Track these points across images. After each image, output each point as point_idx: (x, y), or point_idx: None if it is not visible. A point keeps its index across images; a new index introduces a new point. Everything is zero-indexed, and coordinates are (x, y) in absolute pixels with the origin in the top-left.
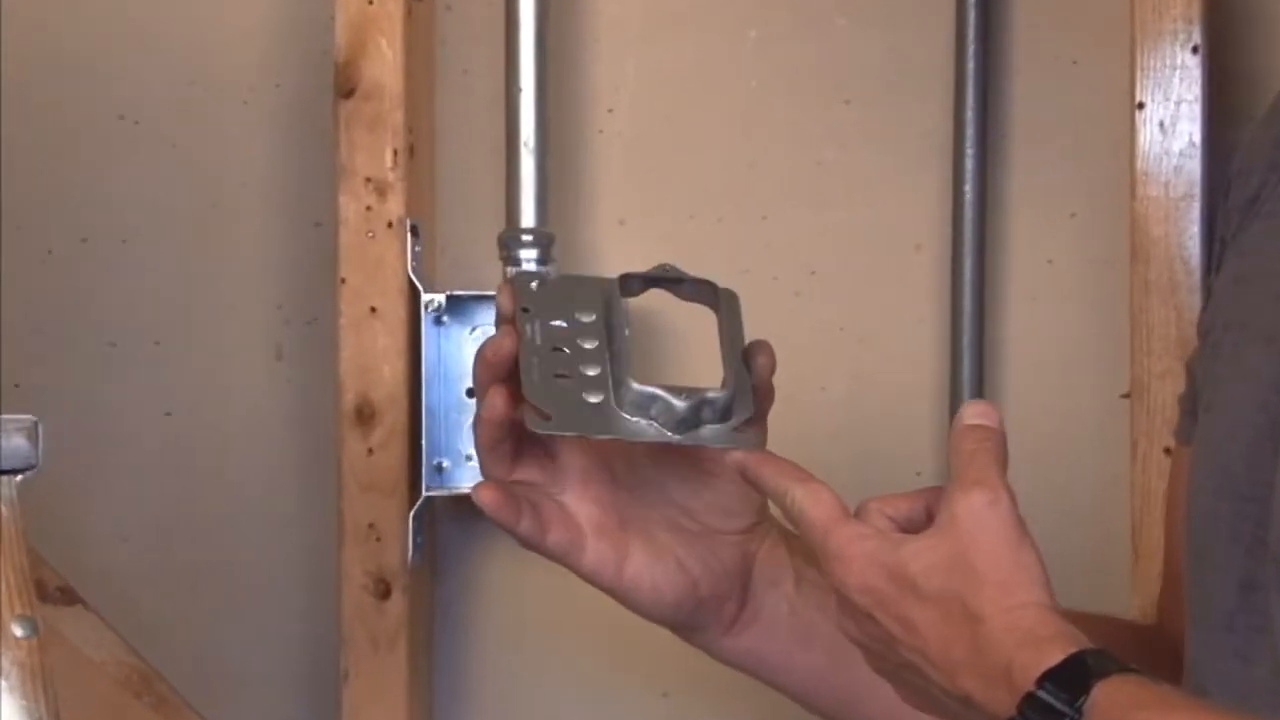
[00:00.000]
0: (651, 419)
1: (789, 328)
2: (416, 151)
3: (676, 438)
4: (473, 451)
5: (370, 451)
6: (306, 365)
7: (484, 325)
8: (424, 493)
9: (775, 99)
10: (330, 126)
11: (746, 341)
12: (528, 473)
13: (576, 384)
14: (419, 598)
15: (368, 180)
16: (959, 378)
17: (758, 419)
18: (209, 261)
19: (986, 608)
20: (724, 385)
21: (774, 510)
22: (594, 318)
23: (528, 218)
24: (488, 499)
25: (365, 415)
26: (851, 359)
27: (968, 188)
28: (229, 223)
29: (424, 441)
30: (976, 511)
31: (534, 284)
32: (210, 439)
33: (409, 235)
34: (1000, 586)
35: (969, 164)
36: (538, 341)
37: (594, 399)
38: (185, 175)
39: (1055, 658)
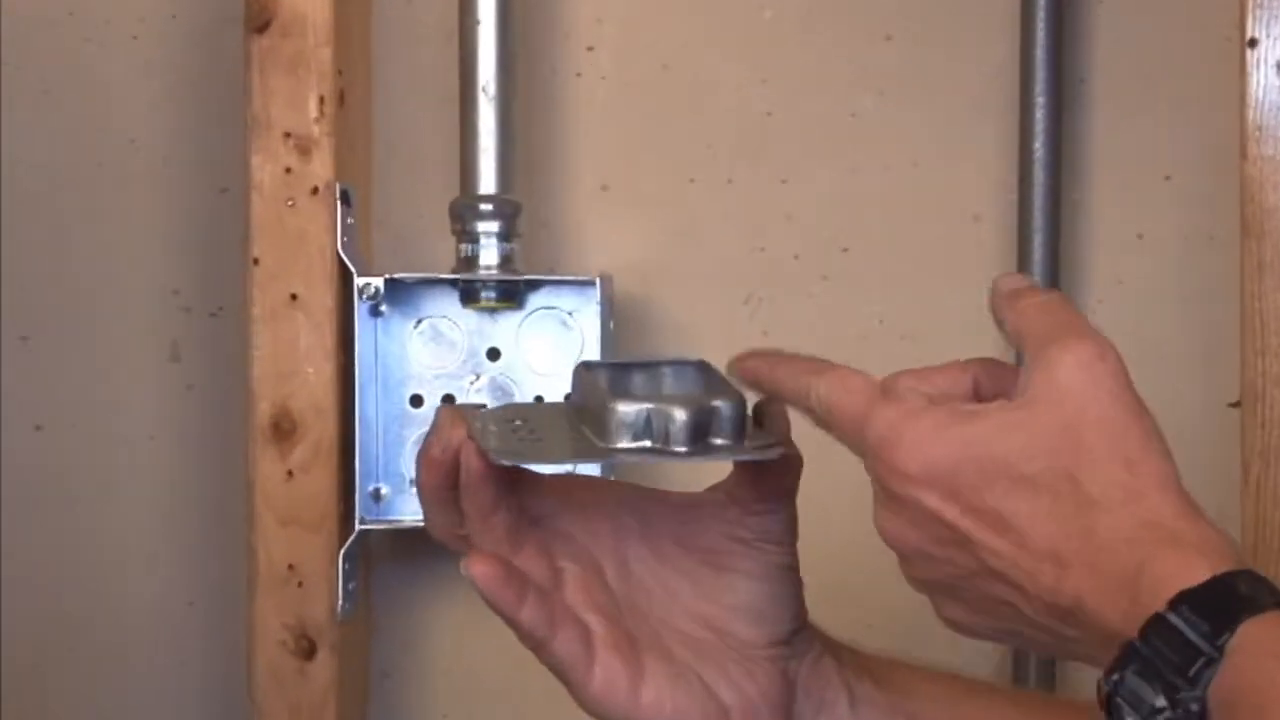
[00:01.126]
0: (649, 442)
1: (814, 320)
2: (348, 99)
3: (683, 451)
4: None
5: (290, 475)
6: (210, 367)
7: (432, 317)
8: (357, 526)
9: (798, 33)
10: (240, 68)
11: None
12: (527, 564)
13: (548, 440)
14: (351, 657)
15: (287, 135)
16: None
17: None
18: (89, 236)
19: (1110, 492)
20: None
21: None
22: (560, 419)
23: (487, 182)
24: (480, 572)
25: (284, 430)
26: (893, 359)
27: (1037, 145)
28: (113, 188)
29: (357, 462)
30: (1086, 368)
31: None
32: (91, 460)
33: (339, 204)
34: (1126, 465)
35: (1039, 115)
36: (492, 427)
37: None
38: (59, 129)
39: (1199, 573)
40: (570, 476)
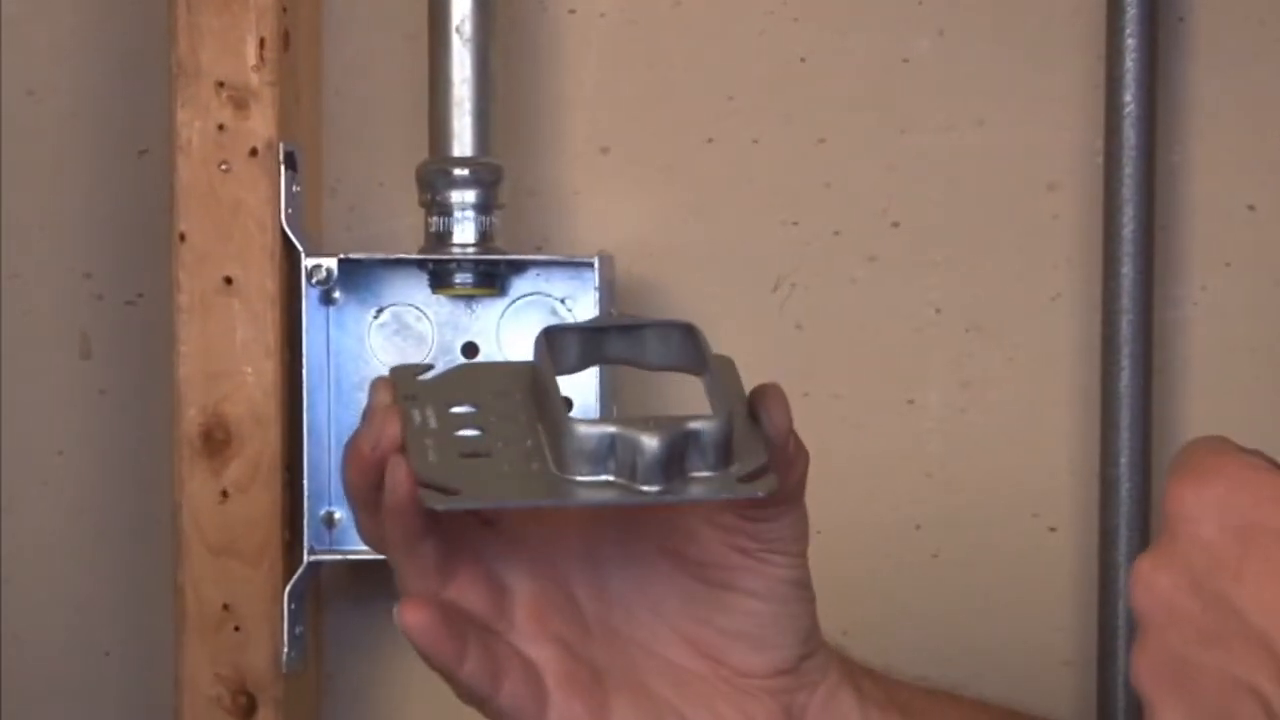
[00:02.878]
0: (613, 475)
1: (859, 308)
2: (294, 41)
3: (654, 490)
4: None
5: (225, 495)
6: (127, 366)
7: (394, 305)
8: (306, 558)
9: None
10: (162, 4)
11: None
12: (463, 594)
13: (496, 459)
14: (296, 715)
15: (220, 85)
16: (1113, 384)
17: (772, 469)
18: None
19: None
20: (714, 414)
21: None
22: (516, 396)
23: (462, 143)
24: (416, 623)
25: (217, 442)
26: (953, 356)
27: (1128, 96)
28: (11, 150)
29: (305, 481)
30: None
31: (423, 376)
32: None
33: (282, 168)
34: None
35: (1130, 61)
36: (431, 425)
37: (521, 466)
38: None
39: None
40: None
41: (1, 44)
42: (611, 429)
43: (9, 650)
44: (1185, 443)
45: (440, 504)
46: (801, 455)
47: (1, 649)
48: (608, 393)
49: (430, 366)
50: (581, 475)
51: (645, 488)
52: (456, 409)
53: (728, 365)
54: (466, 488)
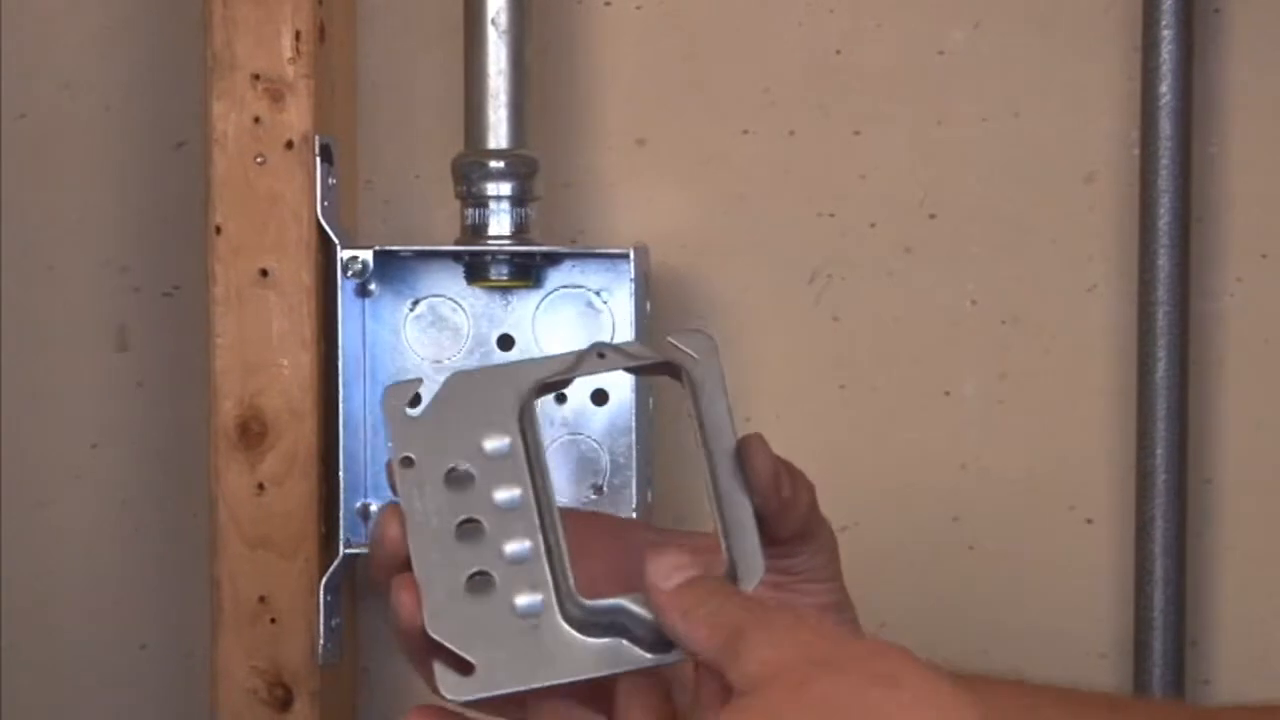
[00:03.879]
0: (621, 636)
1: (897, 300)
2: (329, 34)
3: (667, 659)
4: None
5: (261, 488)
6: (163, 358)
7: (430, 297)
8: (342, 550)
9: None
10: None
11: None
12: None
13: (500, 591)
14: (333, 707)
15: (256, 78)
16: (1149, 376)
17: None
18: (15, 200)
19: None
20: (725, 552)
21: None
22: (507, 441)
23: (498, 135)
24: None
25: (253, 434)
26: (989, 348)
27: (1164, 88)
28: (48, 143)
29: (341, 474)
30: (786, 638)
31: (410, 408)
32: (21, 472)
33: (318, 161)
34: (891, 686)
35: (1165, 52)
36: (433, 521)
37: (530, 617)
38: None
39: None
40: None
41: (38, 37)
42: (620, 602)
43: (50, 645)
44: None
45: (457, 693)
46: (802, 490)
47: (38, 648)
48: (644, 384)
49: (419, 383)
50: (589, 638)
51: (651, 658)
52: (455, 475)
53: (711, 372)
54: (480, 662)
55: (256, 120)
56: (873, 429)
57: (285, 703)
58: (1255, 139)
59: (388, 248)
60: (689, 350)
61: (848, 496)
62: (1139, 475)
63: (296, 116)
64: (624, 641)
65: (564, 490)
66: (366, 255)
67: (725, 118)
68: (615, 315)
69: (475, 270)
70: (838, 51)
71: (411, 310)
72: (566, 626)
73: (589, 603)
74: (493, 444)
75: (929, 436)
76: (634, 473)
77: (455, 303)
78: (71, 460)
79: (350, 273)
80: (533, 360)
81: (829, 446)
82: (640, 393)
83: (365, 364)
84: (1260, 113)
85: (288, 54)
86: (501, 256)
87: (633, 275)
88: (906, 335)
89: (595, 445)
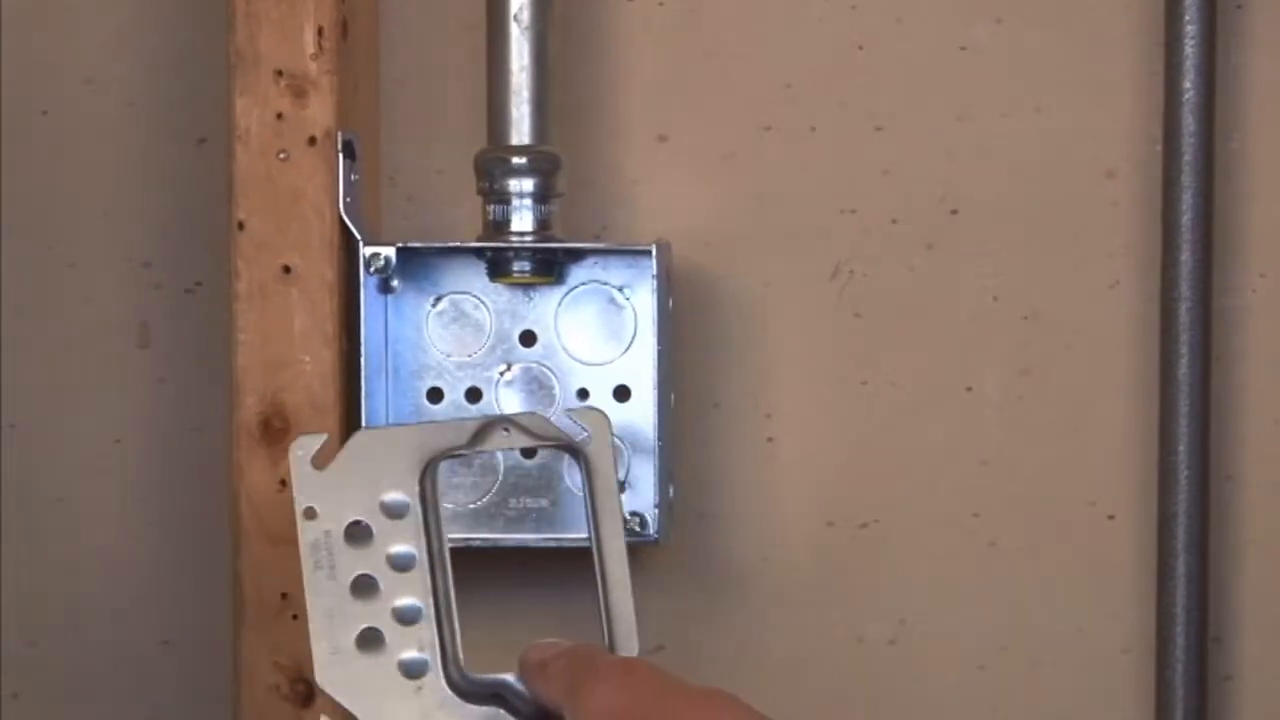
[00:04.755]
0: (502, 708)
1: (917, 295)
2: (352, 30)
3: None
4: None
5: (283, 484)
6: (185, 355)
7: (452, 294)
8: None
9: None
10: None
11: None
12: None
13: (389, 649)
14: None
15: (279, 74)
16: (1171, 372)
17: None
18: (37, 197)
19: None
20: (605, 632)
21: None
22: (407, 500)
23: (520, 131)
24: None
25: (275, 430)
26: (1011, 343)
27: (1187, 83)
28: (70, 139)
29: None
30: (619, 687)
31: (314, 459)
32: (43, 468)
33: (340, 157)
34: None
35: (1188, 47)
36: (330, 574)
37: (415, 678)
38: (3, 67)
39: None
40: None
41: (60, 33)
42: (502, 678)
43: (70, 641)
44: None
45: None
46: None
47: (58, 643)
48: (665, 379)
49: (324, 438)
50: (470, 703)
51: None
52: (354, 530)
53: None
54: (362, 712)
55: (279, 116)
56: (894, 425)
57: (307, 698)
58: (1279, 134)
59: (410, 244)
60: (584, 426)
61: (869, 492)
62: (1161, 471)
63: (319, 112)
64: (502, 711)
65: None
66: (389, 251)
67: (747, 114)
68: (638, 311)
69: (497, 266)
70: (860, 47)
71: (434, 306)
72: (450, 691)
73: (473, 676)
74: (393, 502)
75: (950, 432)
76: (655, 469)
77: (477, 299)
78: (94, 456)
79: (373, 269)
80: (439, 423)
81: (850, 442)
82: (662, 389)
83: (387, 360)
84: None
85: (310, 50)
86: (524, 253)
87: (655, 271)
88: (928, 331)
89: (617, 442)
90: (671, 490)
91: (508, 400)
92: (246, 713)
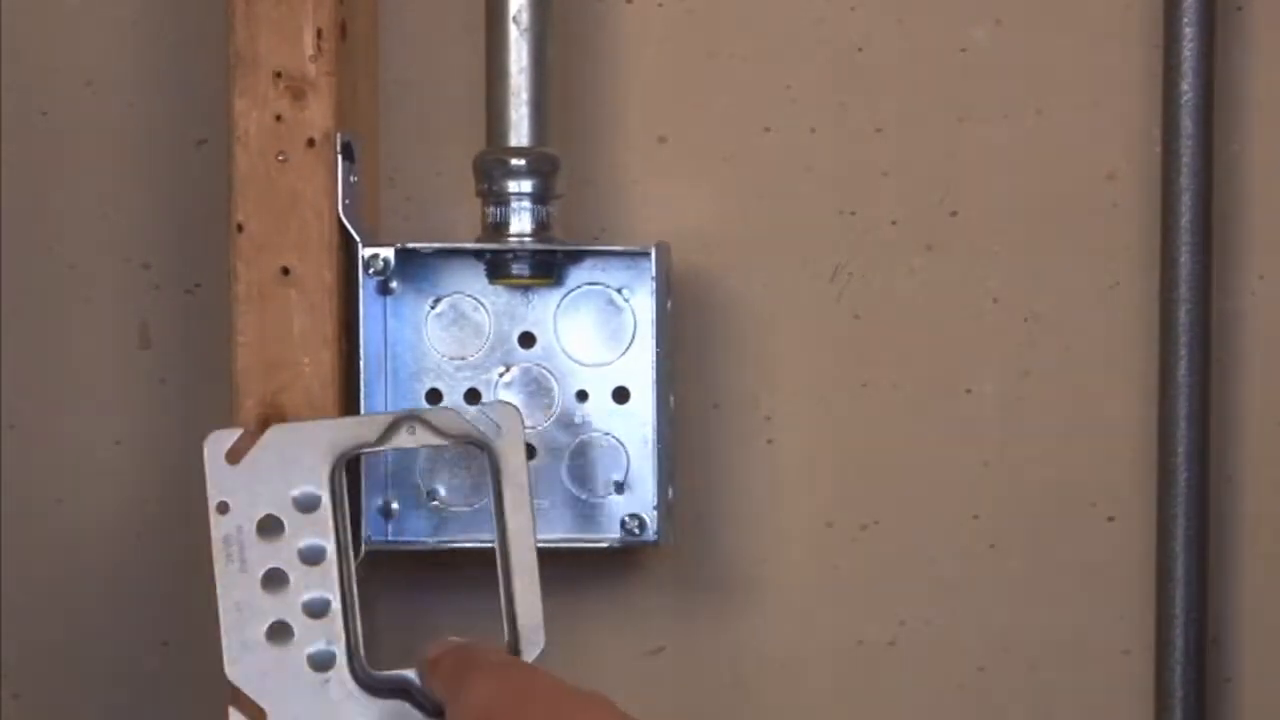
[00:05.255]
0: (406, 701)
1: (917, 297)
2: (351, 32)
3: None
4: (439, 487)
5: None
6: (185, 356)
7: (452, 295)
8: (363, 548)
9: None
10: None
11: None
12: None
13: (297, 643)
14: None
15: (277, 75)
16: (1171, 374)
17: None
18: (36, 198)
19: None
20: (507, 627)
21: None
22: (318, 495)
23: (519, 133)
24: None
25: None
26: (1011, 345)
27: (1185, 85)
28: (69, 141)
29: (362, 471)
30: (493, 682)
31: (229, 453)
32: (43, 469)
33: (339, 158)
34: None
35: (1187, 49)
36: (241, 568)
37: (322, 671)
38: (3, 69)
39: None
40: None
41: (61, 35)
42: (404, 674)
43: (72, 643)
44: None
45: None
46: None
47: (59, 645)
48: (665, 381)
49: (239, 432)
50: (377, 698)
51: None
52: (266, 523)
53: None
54: (271, 704)
55: (278, 118)
56: (894, 427)
57: None
58: (1277, 136)
59: (409, 245)
60: (496, 420)
61: (869, 494)
62: (1160, 473)
63: (318, 114)
64: (408, 705)
65: (587, 488)
66: (388, 253)
67: (747, 115)
68: (636, 313)
69: (497, 268)
70: (859, 49)
71: (433, 308)
72: (355, 685)
73: (376, 672)
74: (304, 496)
75: (950, 434)
76: (654, 470)
77: (477, 300)
78: (94, 457)
79: (372, 270)
80: (351, 420)
81: (850, 444)
82: (661, 391)
83: (386, 362)
84: None
85: (309, 52)
86: (523, 254)
87: (654, 273)
88: (928, 333)
89: (617, 443)
90: (671, 492)
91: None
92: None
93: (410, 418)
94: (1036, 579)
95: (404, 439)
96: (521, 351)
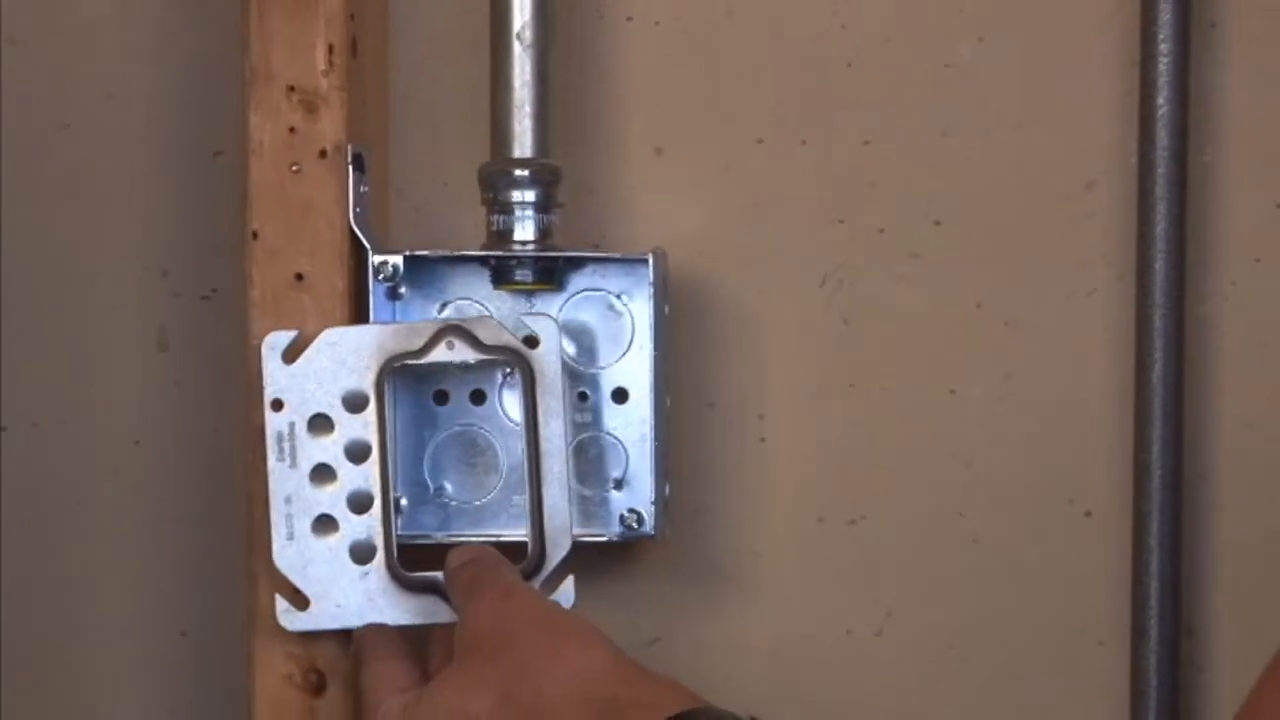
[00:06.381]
0: (436, 596)
1: (903, 302)
2: (361, 48)
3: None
4: (447, 483)
5: None
6: (202, 358)
7: (458, 300)
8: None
9: None
10: (236, 11)
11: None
12: None
13: (341, 536)
14: None
15: (291, 89)
16: (1146, 375)
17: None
18: (58, 207)
19: (548, 688)
20: (533, 538)
21: None
22: (363, 389)
23: (523, 144)
24: None
25: None
26: (993, 348)
27: (1161, 99)
28: (91, 152)
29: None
30: (493, 608)
31: (285, 353)
32: (65, 467)
33: (350, 169)
34: (550, 659)
35: (1163, 65)
36: (290, 465)
37: (363, 564)
38: (27, 83)
39: None
40: None
41: (82, 50)
42: (433, 575)
43: (93, 631)
44: None
45: (290, 623)
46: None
47: (81, 633)
48: (662, 382)
49: (295, 334)
50: (410, 591)
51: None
52: (317, 421)
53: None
54: (314, 593)
55: (291, 130)
56: (881, 426)
57: (319, 687)
58: (1248, 148)
59: (417, 253)
60: (536, 332)
61: (856, 491)
62: (1136, 470)
63: (330, 127)
64: (438, 599)
65: (588, 485)
66: (397, 260)
67: (740, 128)
68: (635, 317)
69: (501, 274)
70: (848, 65)
71: (440, 312)
72: (391, 578)
73: (408, 573)
74: (353, 394)
75: (935, 433)
76: (652, 467)
77: (482, 305)
78: (114, 457)
79: (381, 276)
80: (401, 326)
81: (839, 443)
82: (658, 391)
83: None
84: (1254, 123)
85: (321, 67)
86: (526, 261)
87: (651, 279)
88: (914, 337)
89: (616, 441)
90: (668, 488)
91: (510, 402)
92: (261, 700)
93: (452, 329)
94: (1017, 572)
95: (442, 353)
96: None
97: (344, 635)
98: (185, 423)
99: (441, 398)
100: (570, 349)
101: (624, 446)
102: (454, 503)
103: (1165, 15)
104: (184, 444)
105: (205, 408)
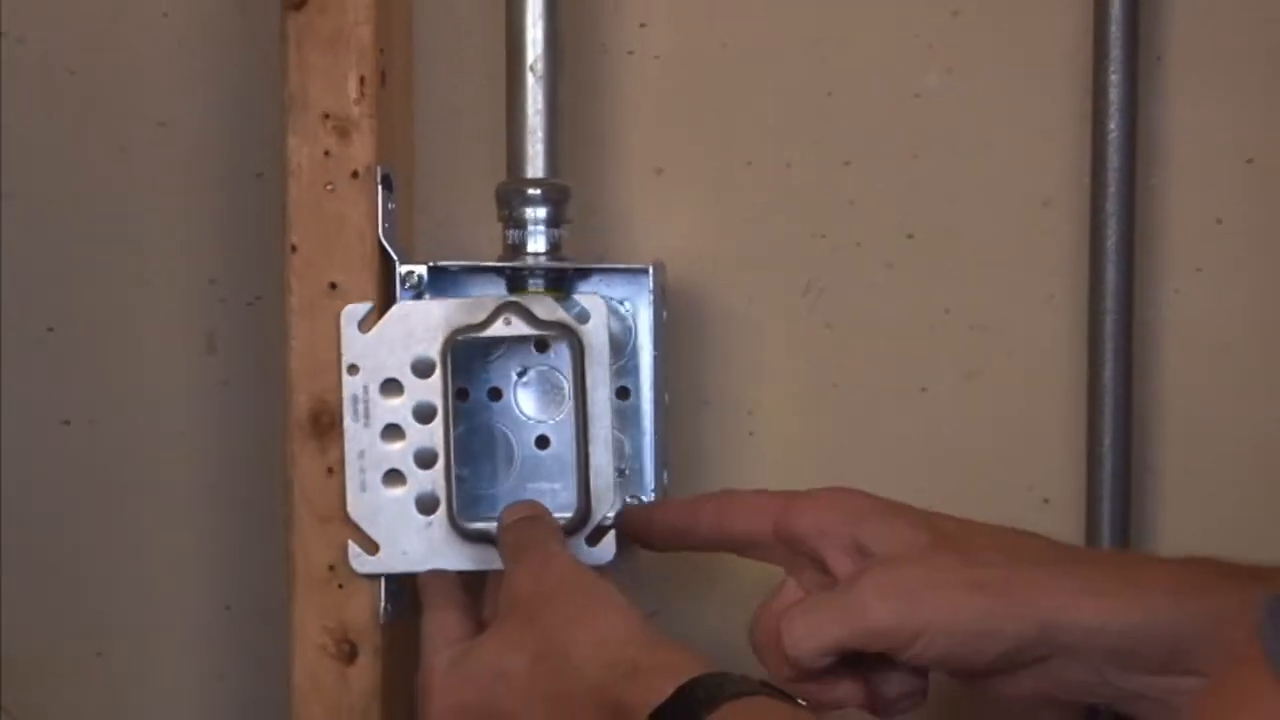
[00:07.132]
0: (493, 545)
1: (878, 309)
2: (389, 79)
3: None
4: (464, 470)
5: (330, 471)
6: (247, 359)
7: None
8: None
9: (860, 8)
10: (276, 46)
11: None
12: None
13: (409, 489)
14: (394, 662)
15: (326, 116)
16: (1099, 375)
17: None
18: (117, 222)
19: (576, 651)
20: (579, 497)
21: None
22: (430, 356)
23: (535, 166)
24: None
25: (323, 424)
26: (962, 350)
27: (1112, 125)
28: (143, 172)
29: None
30: (534, 574)
31: (360, 322)
32: (120, 457)
33: (379, 188)
34: (579, 624)
35: (1113, 94)
36: (366, 422)
37: (428, 515)
38: (86, 110)
39: (664, 690)
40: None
41: (137, 81)
42: (483, 527)
43: (145, 606)
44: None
45: (360, 567)
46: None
47: (134, 608)
48: (661, 381)
49: (369, 307)
50: (469, 542)
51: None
52: (388, 384)
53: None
54: (383, 540)
55: (326, 153)
56: (860, 421)
57: (351, 656)
58: (1190, 169)
59: (440, 263)
60: (586, 308)
61: (837, 480)
62: (1089, 461)
63: (361, 150)
64: (492, 548)
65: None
66: (421, 270)
67: (732, 151)
68: (637, 322)
69: (515, 283)
70: (829, 94)
71: None
72: (452, 528)
73: (468, 525)
74: (421, 360)
75: (907, 428)
76: (651, 458)
77: None
78: (165, 449)
79: (407, 285)
80: (466, 300)
81: (822, 437)
82: (658, 390)
83: None
84: (1195, 146)
85: (353, 96)
86: (538, 271)
87: (651, 288)
88: (888, 340)
89: (618, 434)
90: (666, 476)
91: (524, 399)
92: (298, 669)
93: (510, 305)
94: None
95: (500, 327)
96: (537, 355)
97: (373, 610)
98: (231, 418)
99: (462, 395)
100: None
101: (626, 438)
102: (472, 490)
103: (1115, 50)
104: (229, 437)
105: (249, 404)
